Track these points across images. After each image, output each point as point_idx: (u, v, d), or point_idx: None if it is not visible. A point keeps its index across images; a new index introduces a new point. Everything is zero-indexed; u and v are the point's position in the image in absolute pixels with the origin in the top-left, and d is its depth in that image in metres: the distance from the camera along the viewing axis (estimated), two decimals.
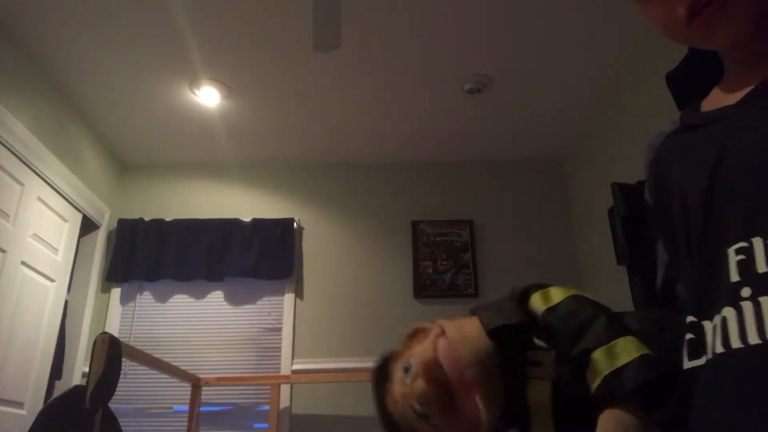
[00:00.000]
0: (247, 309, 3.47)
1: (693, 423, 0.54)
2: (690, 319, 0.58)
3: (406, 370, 0.76)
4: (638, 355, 0.63)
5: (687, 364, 0.58)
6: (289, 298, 3.46)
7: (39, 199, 2.89)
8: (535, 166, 3.80)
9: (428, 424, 0.74)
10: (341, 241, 3.60)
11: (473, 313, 0.79)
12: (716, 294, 0.54)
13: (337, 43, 2.39)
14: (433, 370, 0.73)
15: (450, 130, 3.47)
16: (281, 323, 3.41)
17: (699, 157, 0.60)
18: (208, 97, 3.09)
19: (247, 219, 3.57)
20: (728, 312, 0.52)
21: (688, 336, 0.58)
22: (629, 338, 0.66)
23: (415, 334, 0.82)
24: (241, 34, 2.68)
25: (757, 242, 0.51)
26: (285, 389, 3.22)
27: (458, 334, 0.75)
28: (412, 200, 3.69)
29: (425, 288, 3.44)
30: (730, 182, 0.55)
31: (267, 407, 3.10)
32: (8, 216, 2.64)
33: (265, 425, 3.09)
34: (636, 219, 2.07)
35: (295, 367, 3.29)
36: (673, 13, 0.62)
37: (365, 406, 3.24)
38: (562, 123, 3.42)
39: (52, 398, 2.36)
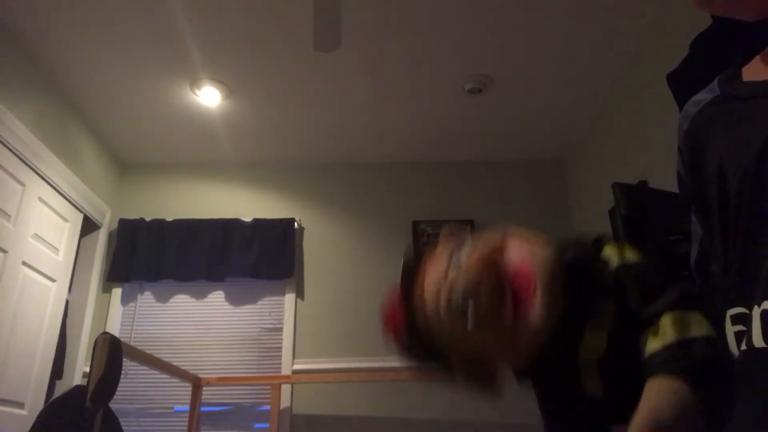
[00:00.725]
0: (247, 309, 3.47)
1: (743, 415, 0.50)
2: (737, 310, 0.54)
3: (454, 261, 0.67)
4: (708, 334, 0.59)
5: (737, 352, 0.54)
6: (289, 298, 3.46)
7: (40, 199, 2.89)
8: (535, 166, 3.80)
9: (460, 326, 0.64)
10: (342, 241, 3.60)
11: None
12: (764, 281, 0.51)
13: (338, 43, 2.39)
14: (493, 260, 0.65)
15: (450, 130, 3.47)
16: (282, 323, 3.41)
17: (746, 132, 0.55)
18: (208, 97, 3.09)
19: (247, 219, 3.57)
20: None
21: (737, 328, 0.54)
22: (702, 314, 0.62)
23: (458, 238, 0.72)
24: (241, 35, 2.68)
25: None
26: (286, 389, 3.22)
27: (530, 239, 0.68)
28: (413, 200, 3.69)
29: None
30: None
31: (268, 407, 3.10)
32: (9, 216, 2.65)
33: (266, 425, 3.09)
34: (637, 219, 2.07)
35: (296, 367, 3.29)
36: None
37: (366, 406, 3.24)
38: (562, 123, 3.42)
39: (53, 398, 2.36)
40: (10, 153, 2.62)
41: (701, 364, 0.58)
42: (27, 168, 2.76)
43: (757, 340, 0.48)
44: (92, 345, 1.89)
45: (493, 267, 0.65)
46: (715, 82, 0.67)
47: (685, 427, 0.56)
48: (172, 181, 3.77)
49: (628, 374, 0.63)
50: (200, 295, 3.48)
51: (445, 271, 0.68)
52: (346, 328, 3.39)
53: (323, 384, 3.24)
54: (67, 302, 3.22)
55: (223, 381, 3.11)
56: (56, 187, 3.00)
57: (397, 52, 2.80)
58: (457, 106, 3.22)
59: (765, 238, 0.51)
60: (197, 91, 3.05)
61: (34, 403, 2.80)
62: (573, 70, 2.94)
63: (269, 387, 3.13)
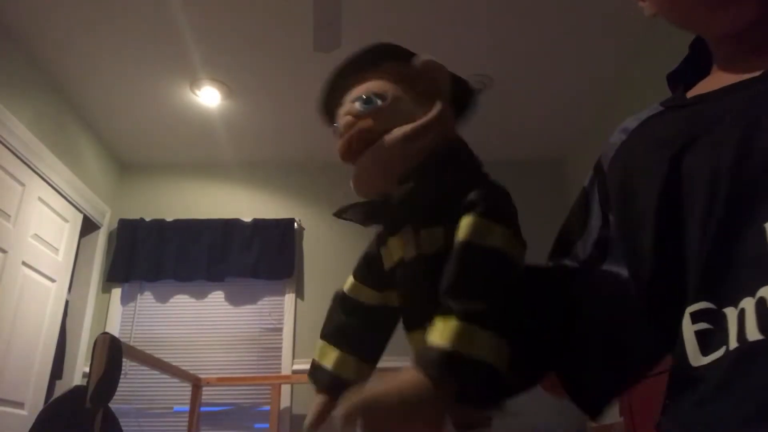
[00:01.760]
0: (247, 309, 3.47)
1: (723, 417, 0.47)
2: (703, 305, 0.50)
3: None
4: (490, 361, 0.50)
5: (700, 361, 0.49)
6: (289, 298, 3.46)
7: (40, 199, 2.89)
8: (535, 166, 3.80)
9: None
10: (342, 241, 3.60)
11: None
12: (747, 274, 0.48)
13: (338, 43, 2.40)
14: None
15: None
16: (282, 323, 3.41)
17: (716, 129, 0.53)
18: (208, 97, 3.09)
19: (247, 219, 3.57)
20: (765, 292, 0.45)
21: (702, 326, 0.50)
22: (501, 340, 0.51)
23: None
24: (241, 35, 2.68)
25: None
26: (286, 389, 3.22)
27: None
28: None
29: None
30: (764, 153, 0.49)
31: (268, 407, 3.10)
32: (9, 216, 2.65)
33: (266, 425, 3.09)
34: None
35: (296, 367, 3.29)
36: None
37: None
38: (562, 123, 3.42)
39: (53, 398, 2.36)
40: (10, 153, 2.62)
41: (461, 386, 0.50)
42: (27, 168, 2.76)
43: (752, 333, 0.45)
44: (92, 345, 1.89)
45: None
46: (656, 103, 0.66)
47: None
48: (172, 181, 3.77)
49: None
50: (200, 295, 3.48)
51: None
52: None
53: None
54: (66, 302, 3.22)
55: (223, 381, 3.11)
56: (56, 187, 3.00)
57: None
58: None
59: (756, 228, 0.48)
60: (197, 91, 3.05)
61: (34, 403, 2.80)
62: (573, 71, 2.94)
63: (269, 387, 3.13)
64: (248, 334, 3.40)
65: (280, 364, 3.31)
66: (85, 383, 1.85)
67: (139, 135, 3.48)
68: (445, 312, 0.52)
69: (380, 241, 0.70)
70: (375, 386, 0.49)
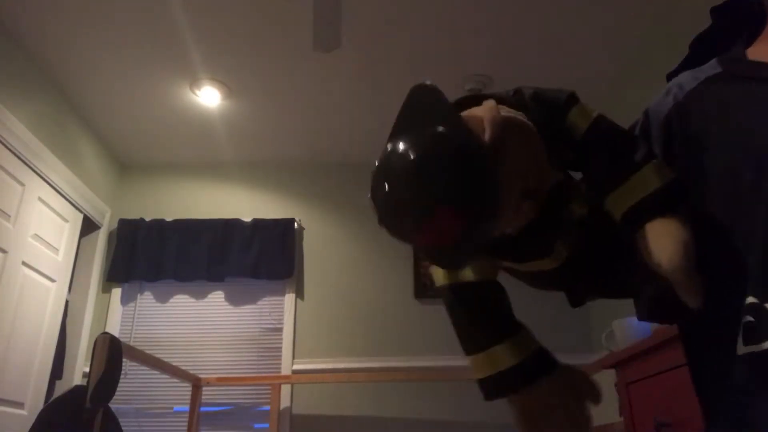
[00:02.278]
0: (247, 309, 3.47)
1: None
2: (749, 300, 0.51)
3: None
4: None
5: (743, 350, 0.51)
6: (289, 298, 3.46)
7: (40, 199, 2.89)
8: None
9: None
10: (342, 242, 3.60)
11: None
12: None
13: (338, 43, 2.39)
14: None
15: None
16: (282, 323, 3.41)
17: None
18: (208, 97, 3.09)
19: (247, 219, 3.57)
20: None
21: (746, 319, 0.51)
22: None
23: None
24: (241, 35, 2.68)
25: None
26: (285, 389, 3.22)
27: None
28: None
29: (426, 288, 3.44)
30: None
31: (267, 407, 3.10)
32: (9, 216, 2.65)
33: (266, 425, 3.09)
34: None
35: (296, 367, 3.29)
36: None
37: (366, 406, 3.24)
38: None
39: (53, 398, 2.37)
40: (10, 153, 2.62)
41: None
42: (27, 168, 2.76)
43: None
44: (92, 345, 1.89)
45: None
46: (713, 61, 0.64)
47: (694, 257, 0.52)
48: (172, 181, 3.77)
49: (595, 241, 0.62)
50: (200, 295, 3.48)
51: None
52: (346, 328, 3.39)
53: (323, 384, 3.24)
54: (66, 302, 3.22)
55: (222, 381, 3.11)
56: (56, 187, 3.00)
57: (397, 52, 2.80)
58: None
59: None
60: (197, 91, 3.05)
61: (34, 403, 2.80)
62: (573, 70, 2.94)
63: (269, 387, 3.13)
64: (248, 334, 3.40)
65: (279, 364, 3.31)
66: (85, 383, 1.85)
67: (139, 135, 3.48)
68: (639, 165, 0.57)
69: None
70: (662, 246, 0.53)
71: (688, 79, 0.64)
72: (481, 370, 0.64)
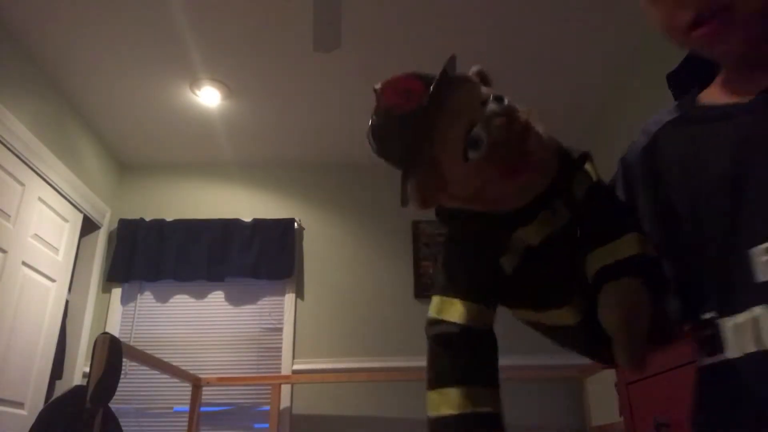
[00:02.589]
0: (247, 309, 3.47)
1: (727, 416, 0.55)
2: (706, 315, 0.57)
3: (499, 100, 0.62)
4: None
5: (704, 361, 0.58)
6: (289, 298, 3.46)
7: (40, 199, 2.89)
8: None
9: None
10: (342, 241, 3.60)
11: None
12: (740, 292, 0.54)
13: (338, 43, 2.40)
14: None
15: None
16: (282, 323, 3.41)
17: (718, 152, 0.59)
18: (208, 97, 3.09)
19: (247, 219, 3.57)
20: (761, 311, 0.52)
21: (705, 332, 0.57)
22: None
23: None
24: (241, 35, 2.68)
25: None
26: (285, 389, 3.22)
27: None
28: None
29: (426, 288, 3.44)
30: (758, 182, 0.55)
31: (267, 407, 3.10)
32: (9, 216, 2.65)
33: (266, 425, 3.09)
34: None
35: (296, 367, 3.29)
36: (677, 18, 0.60)
37: (366, 406, 3.24)
38: (562, 123, 3.42)
39: (53, 398, 2.37)
40: (10, 153, 2.62)
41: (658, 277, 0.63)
42: (27, 168, 2.76)
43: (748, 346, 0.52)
44: (92, 345, 1.89)
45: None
46: (674, 105, 0.72)
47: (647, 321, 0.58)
48: (172, 181, 3.77)
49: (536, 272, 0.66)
50: (200, 295, 3.48)
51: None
52: (346, 328, 3.39)
53: (323, 384, 3.24)
54: (66, 302, 3.22)
55: (222, 381, 3.11)
56: (56, 187, 3.00)
57: (397, 52, 2.80)
58: None
59: (744, 251, 0.54)
60: (197, 91, 3.05)
61: (34, 403, 2.80)
62: (573, 70, 2.94)
63: (269, 387, 3.13)
64: (248, 334, 3.40)
65: (280, 364, 3.31)
66: (85, 383, 1.85)
67: (139, 135, 3.48)
68: (623, 232, 0.62)
69: (498, 244, 0.65)
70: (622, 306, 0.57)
71: (653, 122, 0.73)
72: (433, 406, 0.64)
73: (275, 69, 2.91)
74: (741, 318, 0.54)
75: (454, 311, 0.64)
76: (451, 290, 0.64)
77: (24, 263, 2.76)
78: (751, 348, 0.52)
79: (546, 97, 3.16)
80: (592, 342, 0.68)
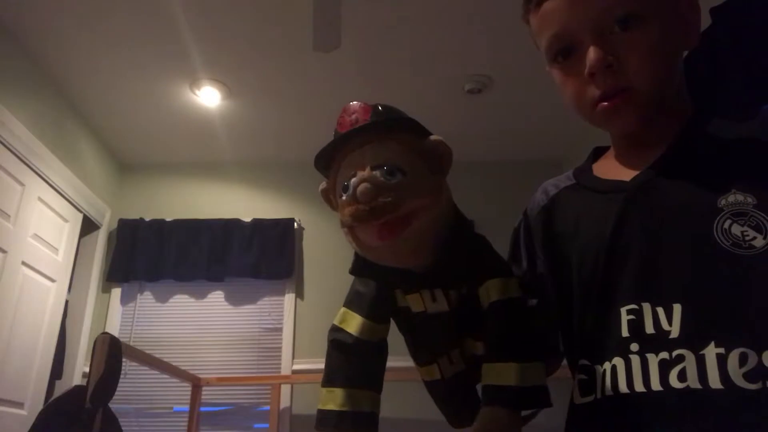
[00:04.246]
0: (247, 309, 3.47)
1: None
2: (582, 362, 0.69)
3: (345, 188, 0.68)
4: (543, 384, 0.64)
5: (579, 400, 0.69)
6: (289, 298, 3.46)
7: (39, 199, 2.89)
8: (536, 166, 3.79)
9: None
10: (342, 241, 3.54)
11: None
12: (608, 344, 0.65)
13: (338, 43, 2.39)
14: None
15: (450, 130, 3.45)
16: (282, 323, 3.41)
17: (601, 220, 0.69)
18: (208, 97, 3.09)
19: (247, 219, 3.57)
20: (618, 361, 0.63)
21: (581, 376, 0.68)
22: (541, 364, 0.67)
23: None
24: (241, 35, 2.68)
25: (646, 306, 0.62)
26: (285, 389, 3.22)
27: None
28: None
29: None
30: (626, 250, 0.66)
31: (267, 407, 3.10)
32: (9, 216, 2.65)
33: (266, 425, 3.09)
34: None
35: (296, 367, 3.29)
36: (586, 93, 0.72)
37: None
38: (562, 123, 3.41)
39: (53, 398, 2.36)
40: (10, 153, 2.62)
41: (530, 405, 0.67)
42: (27, 168, 2.76)
43: (712, 380, 0.58)
44: (92, 345, 1.89)
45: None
46: (569, 172, 0.83)
47: None
48: (172, 181, 3.77)
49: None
50: (200, 295, 3.48)
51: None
52: None
53: None
54: (66, 302, 3.22)
55: (222, 381, 3.11)
56: (56, 187, 3.00)
57: (397, 52, 2.80)
58: (456, 106, 3.22)
59: (614, 310, 0.65)
60: (197, 91, 3.05)
61: (34, 403, 2.80)
62: None
63: (269, 387, 3.13)
64: (248, 334, 3.40)
65: (279, 364, 3.31)
66: (84, 383, 1.85)
67: (139, 135, 3.48)
68: (503, 358, 0.64)
69: (391, 288, 0.76)
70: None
71: (552, 185, 0.84)
72: (322, 401, 0.73)
73: (275, 69, 2.91)
74: (606, 366, 0.64)
75: (353, 324, 0.75)
76: (353, 307, 0.76)
77: (24, 263, 2.76)
78: (609, 392, 0.63)
79: (545, 96, 3.16)
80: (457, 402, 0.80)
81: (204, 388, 3.02)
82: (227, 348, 3.37)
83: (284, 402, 3.19)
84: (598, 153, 0.85)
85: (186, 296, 3.48)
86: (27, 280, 2.79)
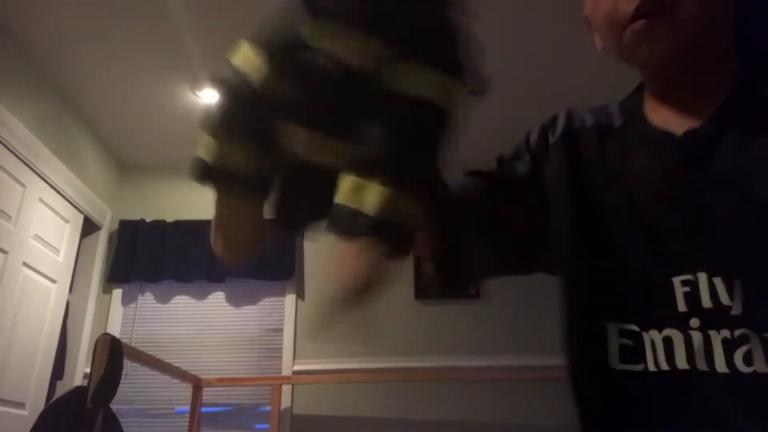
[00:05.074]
0: (248, 309, 3.47)
1: (635, 423, 0.60)
2: (628, 326, 0.61)
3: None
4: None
5: (620, 366, 0.61)
6: (290, 299, 3.46)
7: (40, 200, 2.89)
8: None
9: None
10: (342, 242, 3.59)
11: None
12: (658, 313, 0.59)
13: None
14: None
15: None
16: (282, 324, 3.42)
17: (652, 176, 0.63)
18: (209, 97, 3.09)
19: None
20: (673, 334, 0.57)
21: (624, 341, 0.61)
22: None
23: None
24: (242, 35, 2.67)
25: (702, 277, 0.56)
26: (286, 390, 3.22)
27: None
28: None
29: (426, 289, 3.44)
30: (678, 212, 0.59)
31: (268, 408, 3.10)
32: (10, 217, 2.65)
33: (266, 426, 3.09)
34: None
35: (297, 367, 3.29)
36: (620, 8, 0.63)
37: (366, 406, 3.24)
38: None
39: (54, 399, 2.37)
40: (11, 154, 2.62)
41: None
42: (27, 169, 2.76)
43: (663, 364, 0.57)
44: (93, 346, 1.89)
45: None
46: (617, 107, 0.74)
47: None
48: (173, 182, 3.77)
49: None
50: (201, 295, 3.48)
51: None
52: (347, 328, 3.39)
53: (324, 385, 3.24)
54: (67, 303, 3.22)
55: (223, 382, 3.11)
56: (57, 188, 3.00)
57: None
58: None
59: (666, 279, 0.59)
60: (198, 92, 3.05)
61: (35, 403, 2.80)
62: (573, 70, 2.94)
63: (270, 388, 3.13)
64: (249, 334, 3.40)
65: (280, 364, 3.31)
66: (85, 384, 1.85)
67: (140, 136, 3.48)
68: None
69: None
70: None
71: (589, 114, 0.76)
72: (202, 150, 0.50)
73: None
74: (658, 336, 0.58)
75: None
76: None
77: (25, 264, 2.76)
78: (665, 365, 0.57)
79: (545, 96, 3.16)
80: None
81: (205, 389, 3.02)
82: (228, 349, 3.37)
83: (285, 402, 3.19)
84: (640, 90, 0.75)
85: (187, 297, 3.48)
86: (28, 281, 2.79)
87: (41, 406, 2.78)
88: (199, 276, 3.41)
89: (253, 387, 3.28)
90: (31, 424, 1.81)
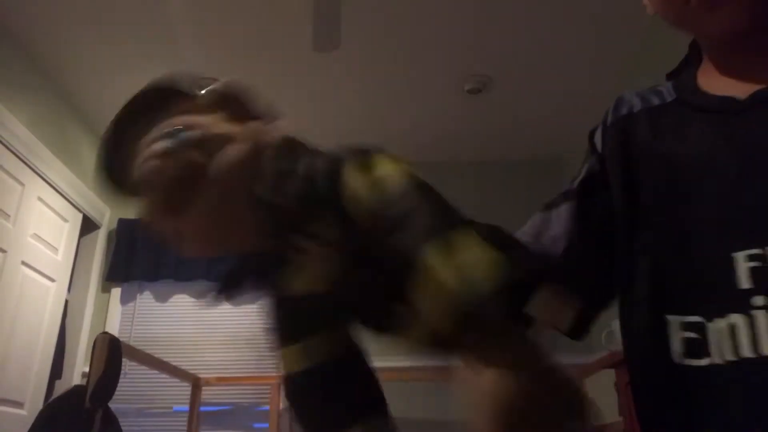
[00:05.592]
0: (247, 309, 3.47)
1: (701, 422, 0.54)
2: (692, 318, 0.56)
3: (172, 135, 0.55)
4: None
5: (685, 361, 0.56)
6: None
7: (39, 199, 2.89)
8: (535, 166, 3.80)
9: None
10: None
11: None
12: (718, 297, 0.53)
13: (337, 43, 2.40)
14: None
15: (450, 130, 3.47)
16: None
17: (712, 145, 0.57)
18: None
19: None
20: (738, 319, 0.51)
21: (689, 334, 0.56)
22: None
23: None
24: (241, 35, 2.68)
25: None
26: None
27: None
28: None
29: None
30: (744, 182, 0.54)
31: (267, 407, 3.10)
32: (8, 216, 2.64)
33: (266, 425, 3.09)
34: None
35: None
36: None
37: None
38: (562, 122, 3.42)
39: (52, 398, 2.36)
40: (10, 153, 2.62)
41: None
42: (26, 168, 2.76)
43: (731, 354, 0.51)
44: (91, 345, 1.89)
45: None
46: (670, 85, 0.69)
47: None
48: None
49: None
50: (199, 294, 3.48)
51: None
52: None
53: None
54: (66, 302, 3.22)
55: (222, 381, 3.10)
56: (55, 186, 3.00)
57: (397, 52, 2.80)
58: (456, 106, 3.22)
59: (727, 255, 0.53)
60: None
61: (34, 402, 2.80)
62: (573, 70, 2.94)
63: (269, 387, 3.13)
64: (248, 333, 3.40)
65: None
66: (84, 383, 1.85)
67: None
68: None
69: None
70: None
71: (637, 97, 0.71)
72: None
73: (275, 69, 2.91)
74: (721, 324, 0.53)
75: None
76: None
77: (23, 263, 2.76)
78: (731, 356, 0.52)
79: (545, 96, 3.16)
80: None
81: (204, 388, 3.02)
82: (227, 347, 3.37)
83: (284, 401, 3.19)
84: (689, 59, 0.70)
85: (185, 296, 3.48)
86: (27, 280, 2.78)
87: (40, 406, 2.77)
88: (198, 275, 3.41)
89: (252, 386, 3.28)
90: (29, 423, 1.81)
